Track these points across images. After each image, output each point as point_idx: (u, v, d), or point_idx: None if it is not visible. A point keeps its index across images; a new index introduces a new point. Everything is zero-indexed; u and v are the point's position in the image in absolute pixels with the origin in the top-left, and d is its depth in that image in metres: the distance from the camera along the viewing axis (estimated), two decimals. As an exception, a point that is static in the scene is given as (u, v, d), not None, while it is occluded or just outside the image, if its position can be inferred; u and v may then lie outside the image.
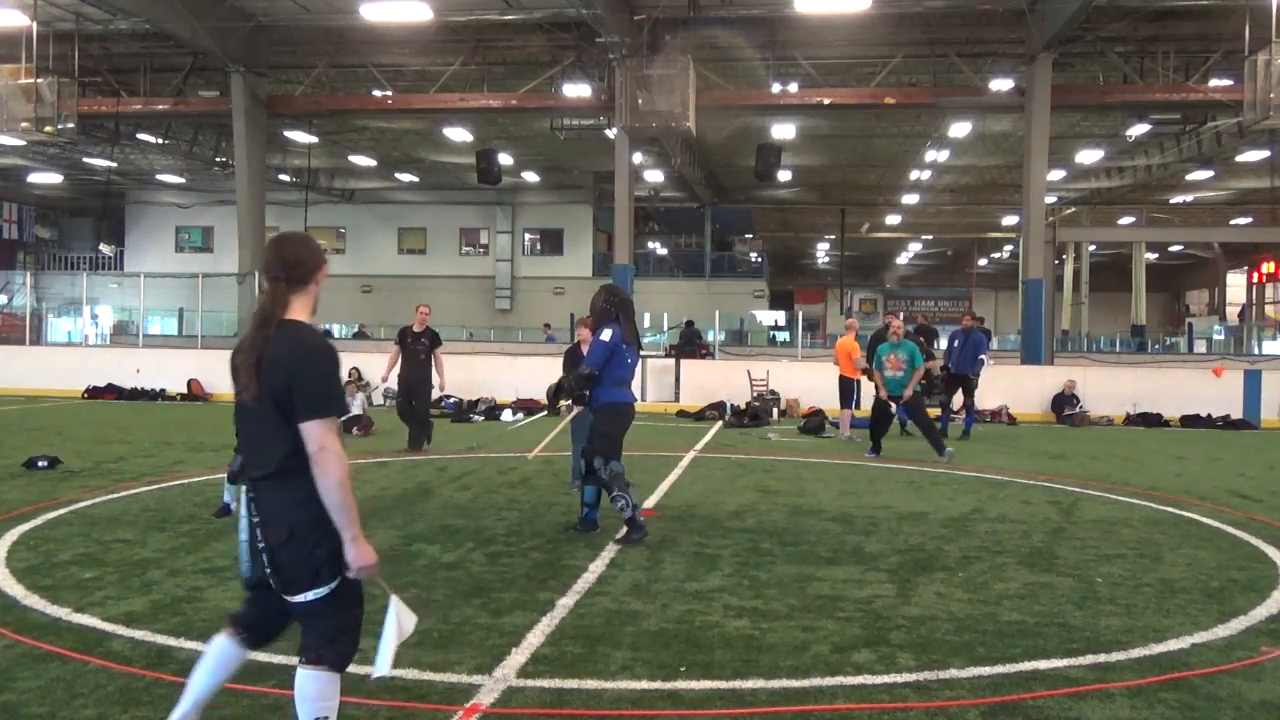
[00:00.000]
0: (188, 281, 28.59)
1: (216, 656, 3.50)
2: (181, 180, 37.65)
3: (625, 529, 7.35)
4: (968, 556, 7.03)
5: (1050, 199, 31.82)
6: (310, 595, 3.22)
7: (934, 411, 17.10)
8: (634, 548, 7.10)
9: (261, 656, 4.67)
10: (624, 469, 7.49)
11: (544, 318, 34.32)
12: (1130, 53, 21.72)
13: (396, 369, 12.64)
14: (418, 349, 12.50)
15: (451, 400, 17.94)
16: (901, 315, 28.42)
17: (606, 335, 7.52)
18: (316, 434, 3.15)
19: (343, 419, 10.19)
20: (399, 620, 3.43)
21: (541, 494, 9.43)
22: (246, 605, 3.50)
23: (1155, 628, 5.41)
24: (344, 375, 16.73)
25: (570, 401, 9.54)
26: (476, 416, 17.60)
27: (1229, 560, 7.06)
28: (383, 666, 3.40)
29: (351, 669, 4.51)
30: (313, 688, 3.29)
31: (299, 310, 3.33)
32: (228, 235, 32.64)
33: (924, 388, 19.33)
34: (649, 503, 8.88)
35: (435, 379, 12.68)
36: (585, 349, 10.03)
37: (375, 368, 20.29)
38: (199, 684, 3.49)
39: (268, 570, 3.26)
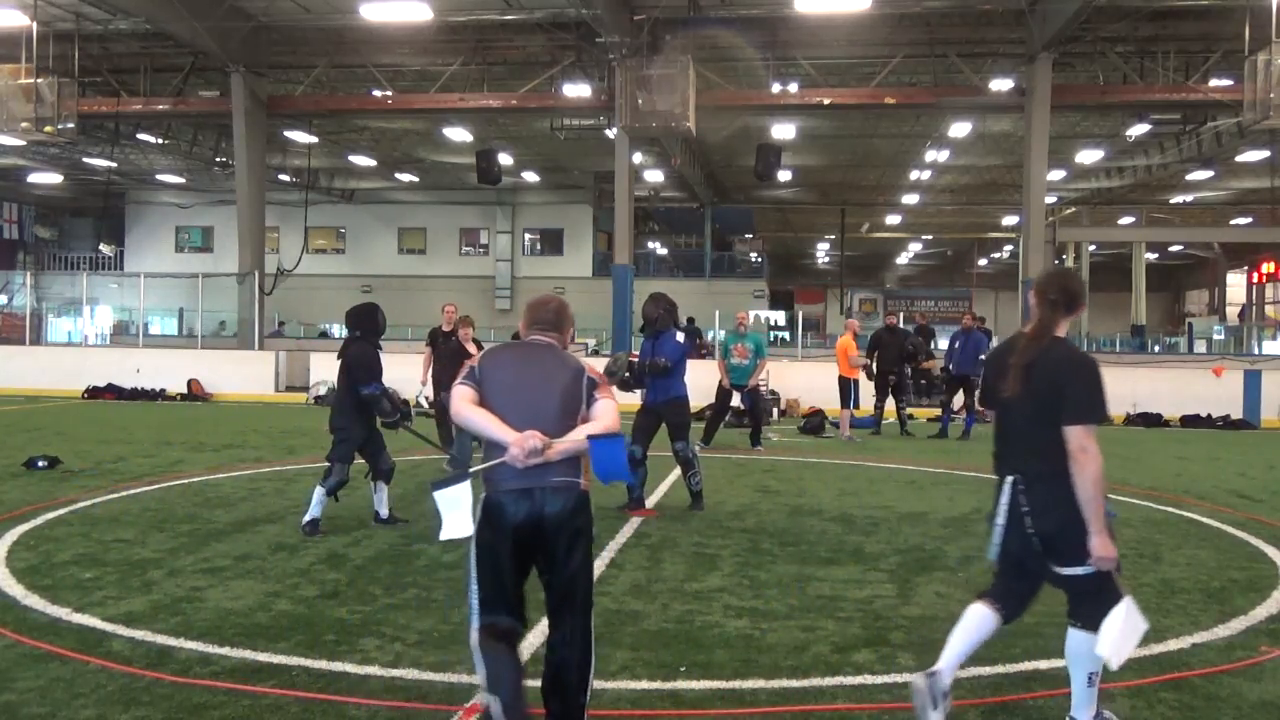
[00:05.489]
0: (188, 281, 28.59)
1: (975, 618, 3.96)
2: (181, 180, 37.62)
3: (693, 500, 8.66)
4: (968, 556, 7.02)
5: (1050, 199, 31.80)
6: (1079, 570, 3.76)
7: (933, 411, 17.13)
8: (634, 548, 7.14)
9: (261, 656, 4.70)
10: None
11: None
12: (1130, 53, 21.72)
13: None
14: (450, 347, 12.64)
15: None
16: (901, 315, 28.42)
17: (681, 337, 8.83)
18: (1078, 436, 3.69)
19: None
20: (1127, 616, 3.72)
21: (541, 494, 9.41)
22: (997, 582, 4.04)
23: (1155, 628, 5.37)
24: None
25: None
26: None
27: (1229, 560, 7.06)
28: (1112, 655, 3.70)
29: (354, 669, 4.54)
30: (1085, 648, 3.78)
31: (1062, 331, 3.96)
32: (228, 235, 32.61)
33: (923, 387, 19.44)
34: (649, 502, 8.87)
35: None
36: (469, 346, 10.30)
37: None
38: (958, 642, 3.92)
39: (1038, 549, 3.81)
